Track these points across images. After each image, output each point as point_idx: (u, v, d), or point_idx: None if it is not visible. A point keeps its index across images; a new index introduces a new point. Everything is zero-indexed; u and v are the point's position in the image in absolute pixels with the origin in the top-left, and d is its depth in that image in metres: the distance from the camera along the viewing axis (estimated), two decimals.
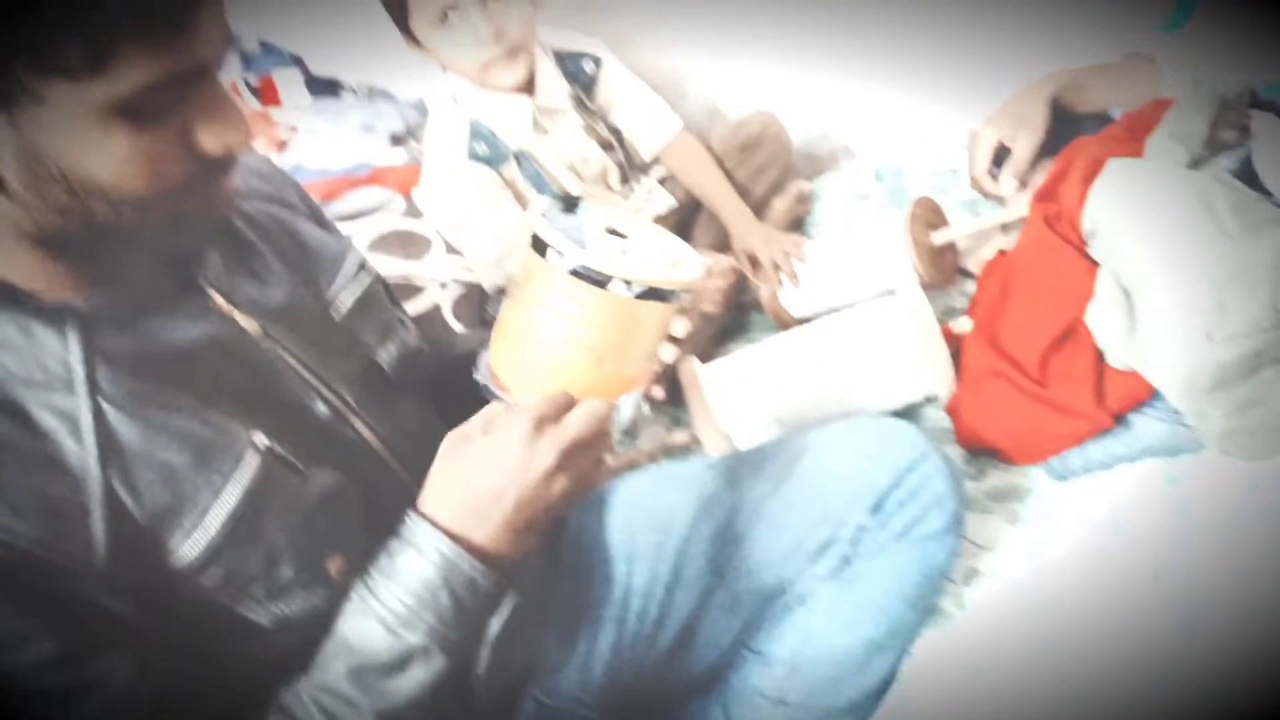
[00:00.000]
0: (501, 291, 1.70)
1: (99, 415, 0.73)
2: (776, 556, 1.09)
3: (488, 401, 0.92)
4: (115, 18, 0.62)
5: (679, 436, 1.53)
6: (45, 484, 0.70)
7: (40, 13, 0.61)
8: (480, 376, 1.02)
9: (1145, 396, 1.17)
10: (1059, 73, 1.44)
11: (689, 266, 0.92)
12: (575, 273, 0.85)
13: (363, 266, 0.98)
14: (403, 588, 0.79)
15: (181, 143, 0.71)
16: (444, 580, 0.79)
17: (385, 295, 1.01)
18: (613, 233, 0.92)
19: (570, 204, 0.94)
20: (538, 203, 0.86)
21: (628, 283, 0.85)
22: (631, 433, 0.92)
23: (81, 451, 0.72)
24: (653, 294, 0.87)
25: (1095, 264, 1.22)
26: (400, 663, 0.79)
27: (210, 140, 0.72)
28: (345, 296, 0.95)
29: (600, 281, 0.85)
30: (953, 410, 1.31)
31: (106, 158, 0.68)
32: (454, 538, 0.80)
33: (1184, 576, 1.05)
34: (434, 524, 0.81)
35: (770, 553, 1.09)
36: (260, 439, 0.79)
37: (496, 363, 0.93)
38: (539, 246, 0.87)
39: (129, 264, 0.79)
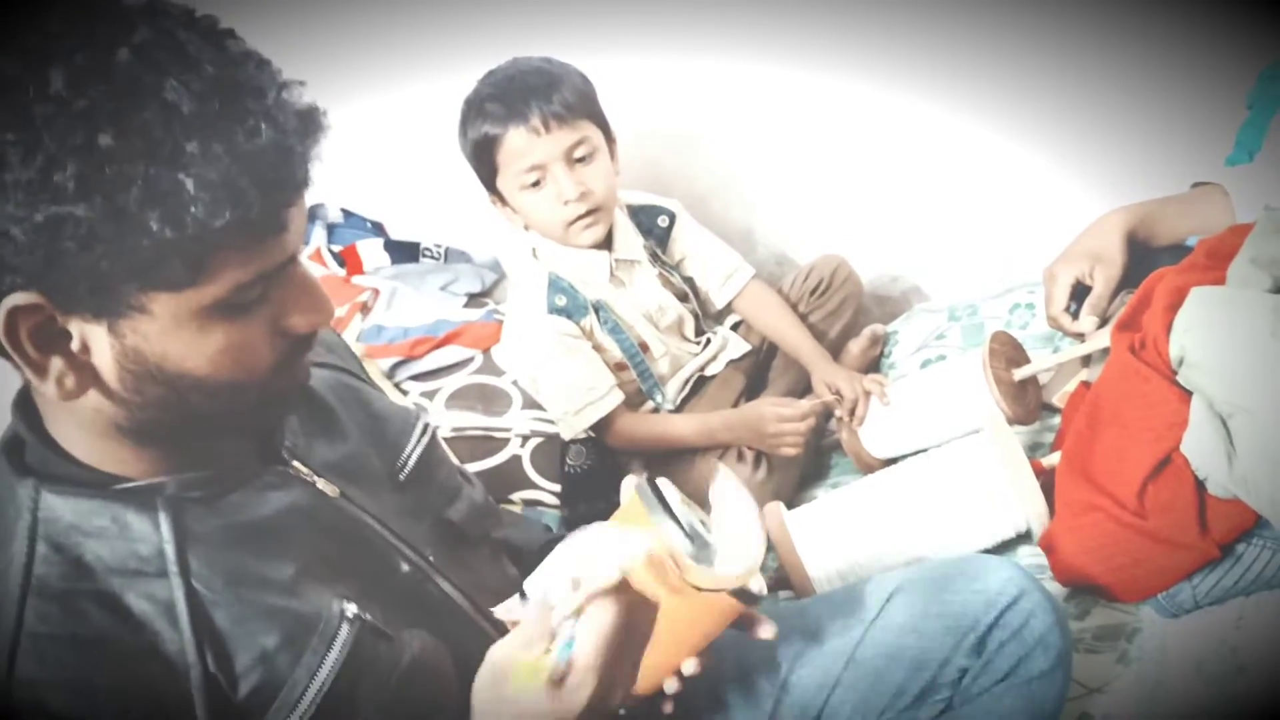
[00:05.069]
0: (580, 441, 1.71)
1: (193, 599, 0.73)
2: (876, 704, 1.05)
3: None
4: (219, 236, 0.65)
5: (766, 582, 1.50)
6: (147, 677, 0.70)
7: (152, 244, 0.63)
8: None
9: (1251, 524, 1.13)
10: (1131, 206, 1.44)
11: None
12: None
13: (425, 429, 0.99)
14: None
15: (272, 328, 0.73)
16: None
17: (446, 454, 1.02)
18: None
19: (697, 538, 0.78)
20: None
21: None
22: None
23: (179, 638, 0.72)
24: None
25: (1186, 391, 1.20)
26: None
27: (299, 321, 0.74)
28: (410, 459, 0.96)
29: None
30: (1048, 546, 1.27)
31: (204, 352, 0.70)
32: None
33: None
34: None
35: (869, 700, 1.05)
36: (350, 609, 0.78)
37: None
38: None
39: (215, 441, 0.80)
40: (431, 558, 0.90)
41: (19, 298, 0.65)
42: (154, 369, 0.69)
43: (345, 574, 0.82)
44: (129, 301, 0.66)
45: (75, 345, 0.69)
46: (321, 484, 0.85)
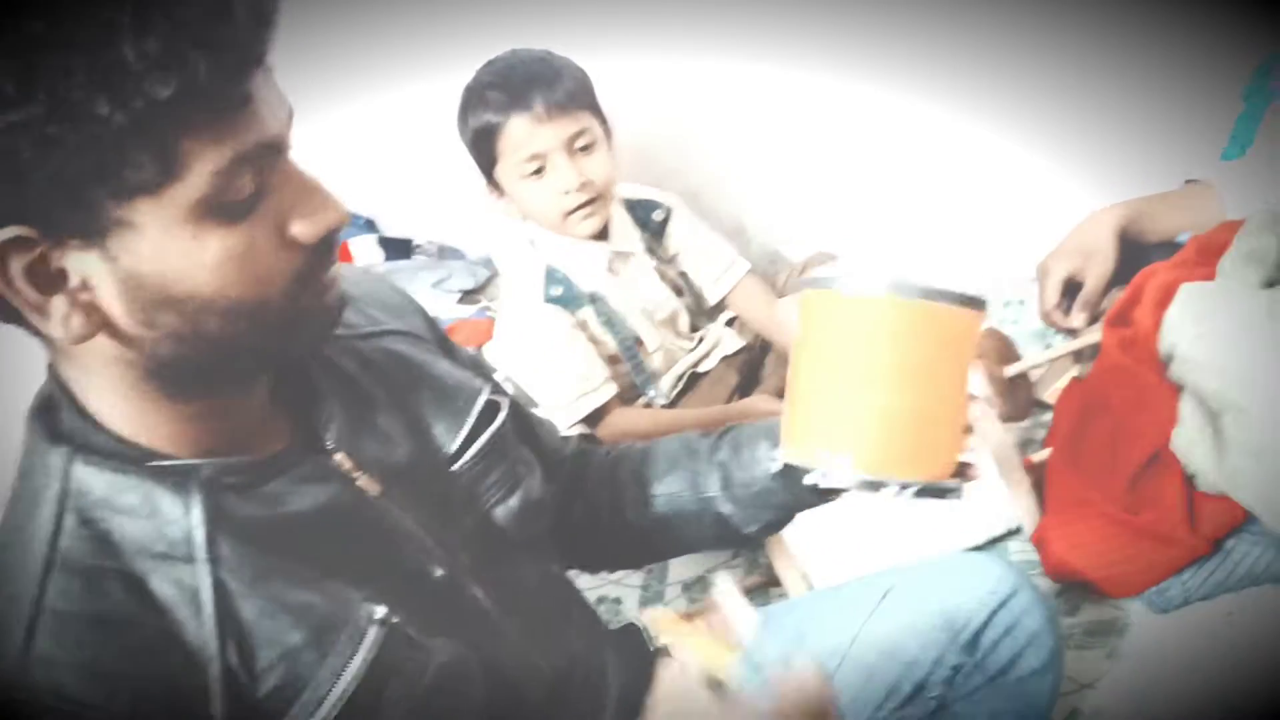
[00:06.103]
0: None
1: (220, 588, 0.70)
2: (869, 702, 1.05)
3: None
4: (175, 115, 0.61)
5: (757, 579, 1.51)
6: (166, 665, 0.67)
7: (109, 134, 0.60)
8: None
9: (1241, 520, 1.14)
10: (1123, 202, 1.45)
11: None
12: None
13: (492, 406, 0.92)
14: None
15: (277, 237, 0.69)
16: None
17: (513, 435, 0.95)
18: None
19: None
20: None
21: None
22: None
23: (201, 628, 0.69)
24: None
25: (1175, 387, 1.21)
26: None
27: (303, 227, 0.70)
28: (471, 442, 0.89)
29: None
30: (1039, 541, 1.28)
31: (204, 265, 0.66)
32: None
33: None
34: None
35: (861, 698, 1.05)
36: (380, 612, 0.75)
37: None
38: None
39: (252, 414, 0.77)
40: (468, 561, 0.86)
41: (5, 232, 0.62)
42: (157, 293, 0.66)
43: (377, 575, 0.78)
44: (111, 215, 0.63)
45: (74, 283, 0.65)
46: (363, 480, 0.81)
